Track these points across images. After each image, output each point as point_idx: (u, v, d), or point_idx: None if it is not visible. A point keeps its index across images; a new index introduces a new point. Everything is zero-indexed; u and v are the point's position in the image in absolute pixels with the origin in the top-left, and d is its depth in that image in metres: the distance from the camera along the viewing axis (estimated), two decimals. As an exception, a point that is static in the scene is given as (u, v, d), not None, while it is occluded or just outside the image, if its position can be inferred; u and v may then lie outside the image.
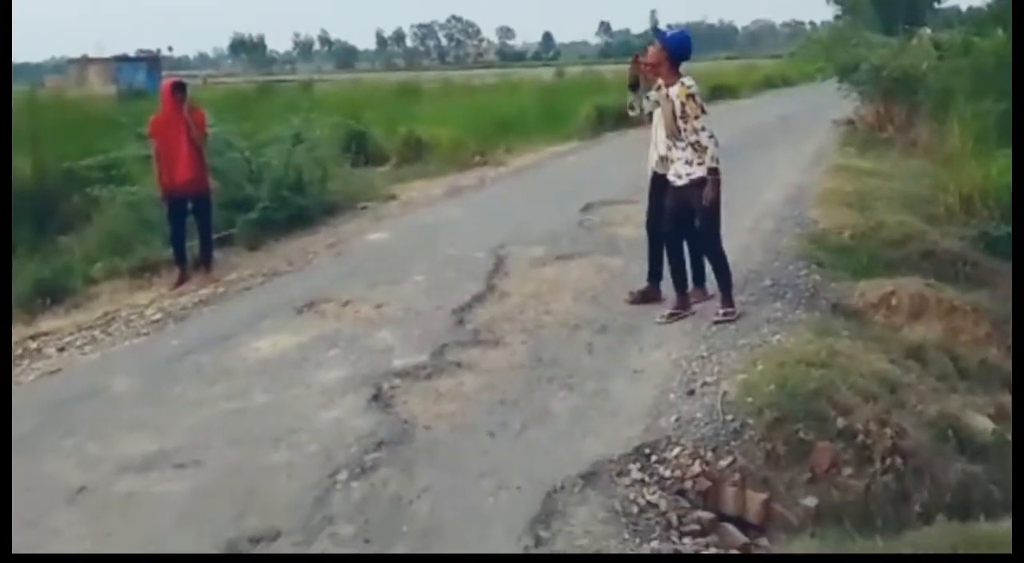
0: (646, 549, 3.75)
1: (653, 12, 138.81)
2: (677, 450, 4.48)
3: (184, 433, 4.84)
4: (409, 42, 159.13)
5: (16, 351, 6.71)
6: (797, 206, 10.02)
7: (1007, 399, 5.59)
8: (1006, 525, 3.54)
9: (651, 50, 6.22)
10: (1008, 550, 3.13)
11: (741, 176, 11.42)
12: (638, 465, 4.36)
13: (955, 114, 12.21)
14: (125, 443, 4.74)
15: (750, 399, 4.80)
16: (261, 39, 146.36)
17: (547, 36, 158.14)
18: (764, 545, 4.06)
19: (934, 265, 8.06)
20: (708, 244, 6.28)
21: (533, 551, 3.66)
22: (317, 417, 4.95)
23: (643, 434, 4.62)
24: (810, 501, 4.31)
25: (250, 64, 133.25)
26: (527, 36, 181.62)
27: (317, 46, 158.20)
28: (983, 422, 5.14)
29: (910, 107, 15.91)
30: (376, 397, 5.14)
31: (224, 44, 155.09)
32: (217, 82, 45.06)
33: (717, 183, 6.02)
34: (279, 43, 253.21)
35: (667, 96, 6.10)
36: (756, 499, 4.28)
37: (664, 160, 6.31)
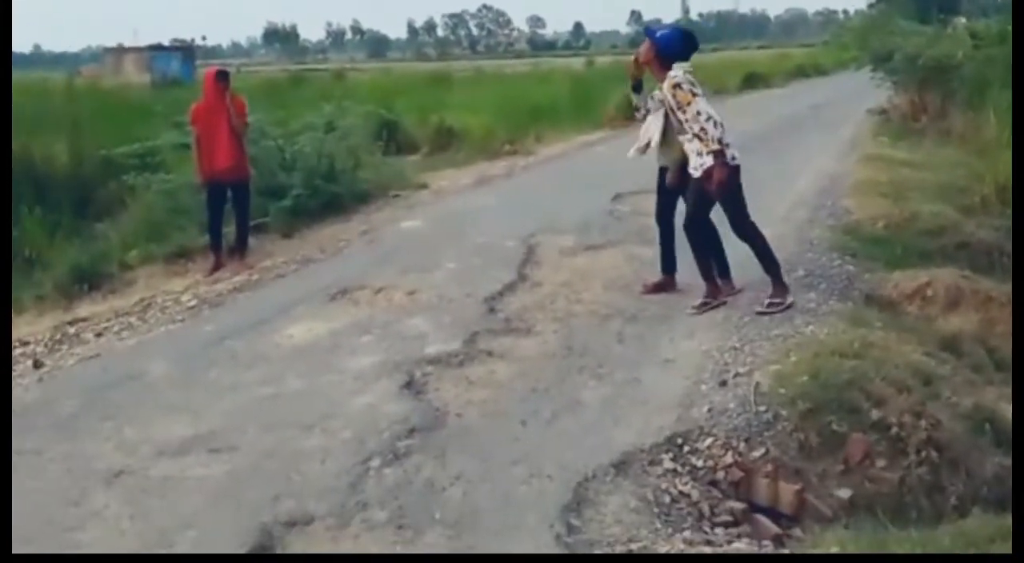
0: (677, 539, 3.74)
1: (684, 1, 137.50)
2: (709, 440, 4.47)
3: (219, 418, 4.90)
4: (440, 31, 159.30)
5: (55, 336, 6.84)
6: (830, 196, 9.93)
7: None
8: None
9: (643, 47, 6.21)
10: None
11: (774, 165, 11.38)
12: (670, 455, 4.35)
13: (991, 103, 12.04)
14: (161, 427, 4.81)
15: (783, 390, 4.77)
16: (294, 28, 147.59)
17: (578, 25, 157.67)
18: (797, 536, 4.05)
19: (969, 256, 7.95)
20: (738, 228, 6.21)
21: (565, 539, 3.67)
22: (350, 403, 4.99)
23: (675, 424, 4.61)
24: (843, 492, 4.29)
25: (283, 53, 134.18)
26: (558, 25, 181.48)
27: (349, 35, 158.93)
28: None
29: (945, 96, 15.67)
30: (408, 384, 5.17)
31: (257, 33, 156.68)
32: (250, 71, 45.33)
33: (724, 165, 5.91)
34: (311, 32, 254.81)
35: (663, 92, 6.11)
36: (789, 490, 4.27)
37: (659, 149, 6.38)
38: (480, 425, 4.68)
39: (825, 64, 37.89)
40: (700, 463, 4.33)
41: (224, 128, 8.16)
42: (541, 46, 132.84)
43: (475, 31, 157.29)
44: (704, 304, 6.27)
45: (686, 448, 4.42)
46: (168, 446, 4.58)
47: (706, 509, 4.02)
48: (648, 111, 6.46)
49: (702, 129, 5.91)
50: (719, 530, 3.92)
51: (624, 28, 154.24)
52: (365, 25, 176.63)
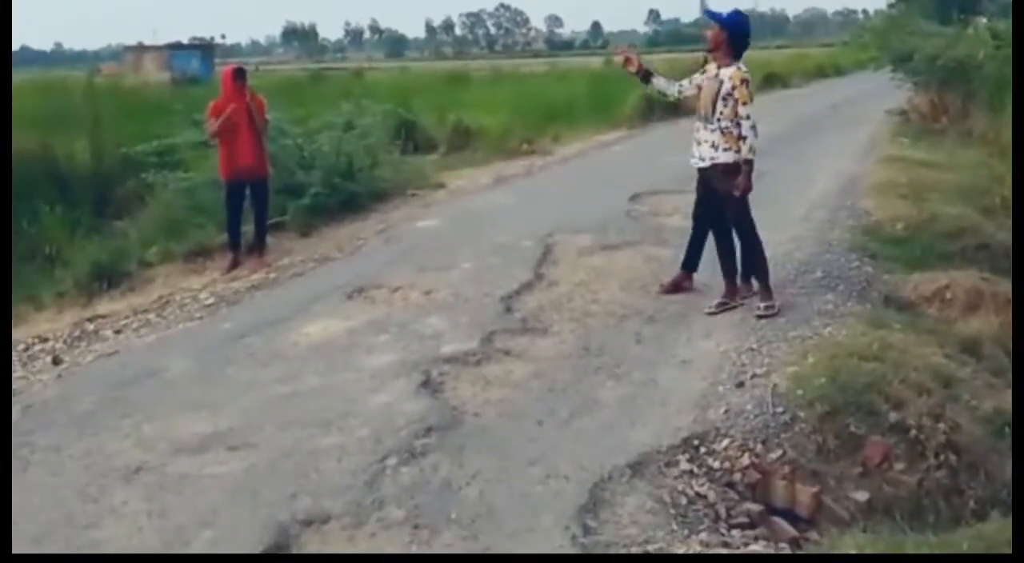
0: (694, 540, 3.73)
1: (702, 1, 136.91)
2: (726, 442, 4.46)
3: (237, 415, 4.92)
4: (458, 31, 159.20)
5: (75, 333, 6.88)
6: (849, 196, 9.87)
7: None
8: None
9: (710, 33, 6.17)
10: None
11: (793, 165, 11.35)
12: (687, 456, 4.34)
13: (1011, 104, 11.93)
14: (180, 424, 4.84)
15: (801, 391, 4.76)
16: (312, 27, 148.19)
17: (596, 25, 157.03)
18: (814, 538, 4.03)
19: (989, 258, 7.89)
20: (737, 224, 6.24)
21: (581, 540, 3.67)
22: (367, 401, 5.00)
23: (692, 425, 4.61)
24: (861, 495, 4.27)
25: (302, 52, 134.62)
26: (576, 25, 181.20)
27: (367, 35, 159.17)
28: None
29: (965, 97, 15.56)
30: (425, 383, 5.18)
31: (277, 32, 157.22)
32: (269, 70, 45.47)
33: (750, 173, 5.98)
34: (330, 31, 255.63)
35: (716, 76, 6.06)
36: (806, 492, 4.26)
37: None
38: (497, 425, 4.68)
39: (844, 64, 37.62)
40: (717, 464, 4.32)
41: (245, 126, 8.19)
42: (559, 45, 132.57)
43: (493, 30, 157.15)
44: (722, 304, 6.26)
45: (703, 449, 4.41)
46: (186, 443, 4.61)
47: (723, 511, 4.01)
48: (680, 93, 6.43)
49: (741, 137, 5.97)
50: (736, 532, 3.90)
51: (642, 27, 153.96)
52: (383, 24, 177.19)
